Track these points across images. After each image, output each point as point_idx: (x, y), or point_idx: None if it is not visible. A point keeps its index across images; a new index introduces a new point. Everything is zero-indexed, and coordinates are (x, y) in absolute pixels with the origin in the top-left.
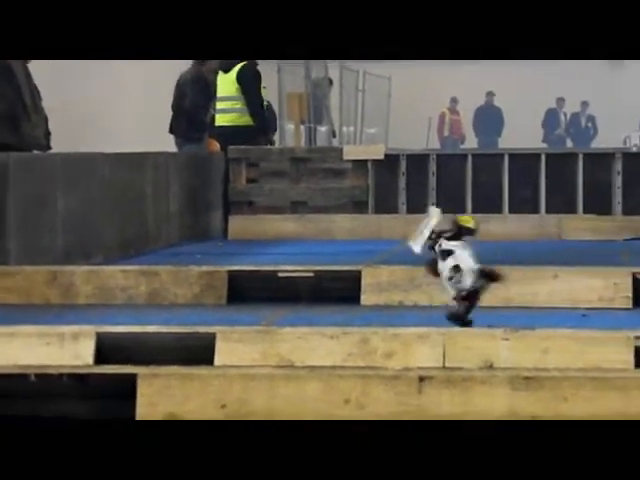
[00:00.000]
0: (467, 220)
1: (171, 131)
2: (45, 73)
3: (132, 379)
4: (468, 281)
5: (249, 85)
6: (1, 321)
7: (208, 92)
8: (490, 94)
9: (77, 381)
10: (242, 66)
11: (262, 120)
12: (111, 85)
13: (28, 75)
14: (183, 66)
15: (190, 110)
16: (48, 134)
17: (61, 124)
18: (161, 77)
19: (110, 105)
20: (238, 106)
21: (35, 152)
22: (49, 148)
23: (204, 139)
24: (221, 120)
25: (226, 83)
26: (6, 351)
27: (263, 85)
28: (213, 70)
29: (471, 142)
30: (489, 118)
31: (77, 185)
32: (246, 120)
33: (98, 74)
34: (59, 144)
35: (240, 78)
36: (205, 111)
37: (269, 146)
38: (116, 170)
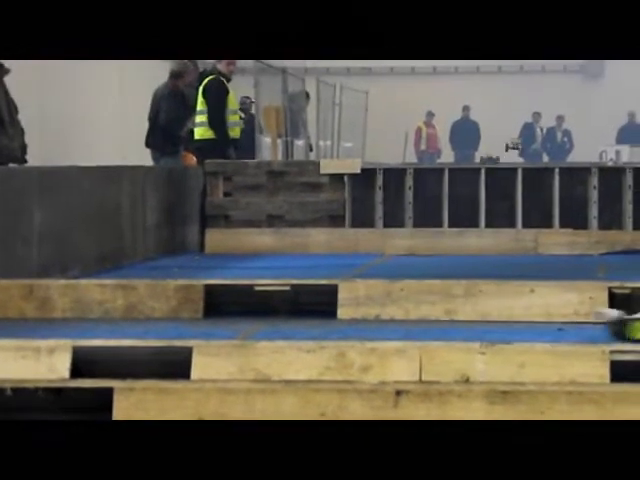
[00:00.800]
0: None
1: (147, 145)
2: (22, 86)
3: (108, 393)
4: None
5: (210, 98)
6: None
7: (184, 106)
8: (466, 108)
9: (53, 395)
10: (208, 80)
11: (221, 134)
12: (88, 98)
13: (4, 88)
14: (160, 80)
15: (166, 124)
16: (24, 147)
17: (38, 137)
18: (138, 90)
19: (87, 118)
20: (204, 120)
21: (11, 165)
22: (25, 161)
23: (180, 152)
24: (195, 133)
25: (199, 97)
26: None
27: (248, 97)
28: (190, 84)
29: (448, 156)
30: (465, 132)
31: (53, 198)
32: (210, 134)
33: (75, 87)
34: (35, 157)
35: (204, 92)
36: (181, 125)
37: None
38: (93, 183)
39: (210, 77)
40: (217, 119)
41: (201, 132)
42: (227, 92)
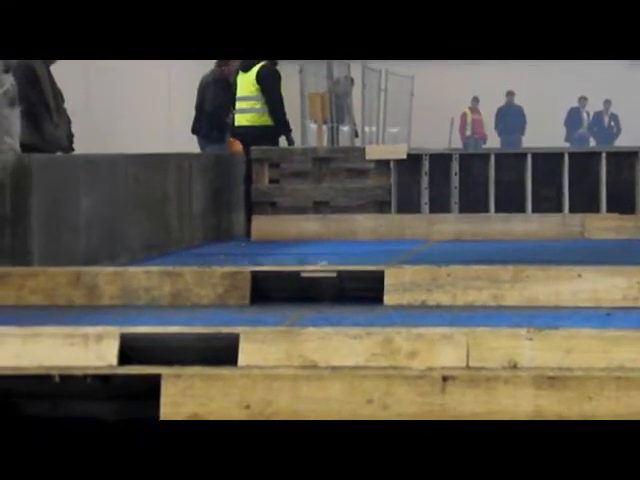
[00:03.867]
0: None
1: (194, 132)
2: (68, 75)
3: (156, 379)
4: None
5: (268, 85)
6: (25, 322)
7: (230, 93)
8: (510, 94)
9: (101, 382)
10: (261, 66)
11: (282, 119)
12: (134, 86)
13: (51, 77)
14: (206, 67)
15: (212, 111)
16: (71, 136)
17: (84, 126)
18: (184, 78)
19: (133, 106)
20: (257, 106)
21: (58, 153)
22: (72, 150)
23: (226, 139)
24: (241, 120)
25: (246, 83)
26: (31, 352)
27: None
28: (235, 71)
29: (494, 142)
30: (510, 117)
31: (100, 186)
32: (264, 120)
33: (122, 76)
34: (82, 146)
35: (259, 78)
36: (227, 112)
37: (290, 146)
38: (139, 171)
39: (264, 63)
40: (280, 106)
41: (254, 118)
42: (280, 78)
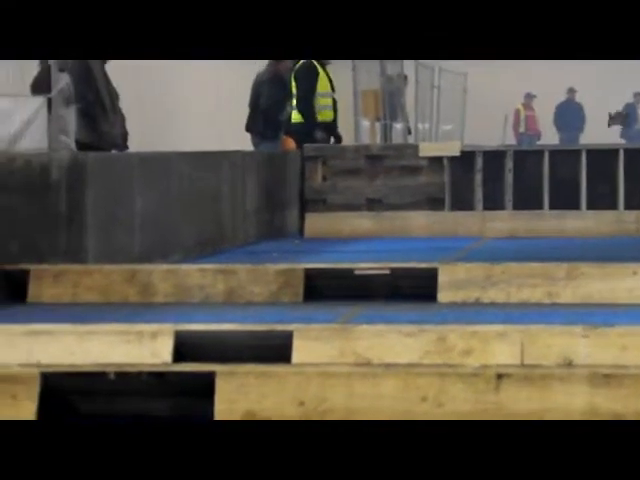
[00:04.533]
0: None
1: (248, 129)
2: (120, 74)
3: (210, 377)
4: None
5: (298, 82)
6: (80, 319)
7: (284, 91)
8: (571, 91)
9: (156, 379)
10: (299, 64)
11: (308, 117)
12: (189, 85)
13: (106, 76)
14: (259, 66)
15: (266, 109)
16: (126, 134)
17: (138, 124)
18: (238, 76)
19: (188, 105)
20: (295, 103)
21: (113, 151)
22: (126, 148)
23: (280, 137)
24: (294, 117)
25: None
26: (86, 349)
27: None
28: (289, 69)
29: (553, 138)
30: (570, 114)
31: (154, 184)
32: (300, 117)
33: (175, 74)
34: (136, 144)
35: (295, 76)
36: (281, 109)
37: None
38: (193, 169)
39: (303, 61)
40: (303, 103)
41: (293, 116)
42: (317, 75)
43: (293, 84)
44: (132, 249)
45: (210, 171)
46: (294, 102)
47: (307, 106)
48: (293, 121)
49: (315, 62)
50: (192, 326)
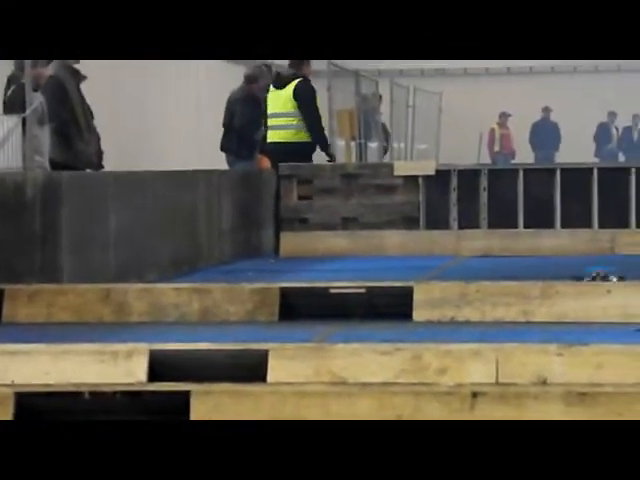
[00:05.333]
0: None
1: (222, 149)
2: (96, 92)
3: (185, 396)
4: None
5: (306, 101)
6: (55, 339)
7: (259, 110)
8: (546, 109)
9: (131, 398)
10: (298, 82)
11: (322, 135)
12: (163, 103)
13: (81, 95)
14: (234, 84)
15: (240, 128)
16: (100, 153)
17: (112, 143)
18: (212, 95)
19: (162, 122)
20: (295, 122)
21: (88, 170)
22: (101, 167)
23: (255, 156)
24: (275, 137)
25: (281, 100)
26: (60, 369)
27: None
28: (264, 88)
29: (528, 157)
30: (545, 133)
31: (129, 203)
32: (301, 136)
33: (153, 91)
34: (110, 163)
35: (297, 94)
36: (256, 129)
37: (331, 162)
38: (168, 188)
39: (300, 80)
40: (318, 121)
41: (289, 135)
42: (316, 94)
43: (290, 103)
44: (107, 268)
45: (185, 190)
46: (289, 121)
47: (320, 125)
48: (288, 140)
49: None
50: (167, 345)
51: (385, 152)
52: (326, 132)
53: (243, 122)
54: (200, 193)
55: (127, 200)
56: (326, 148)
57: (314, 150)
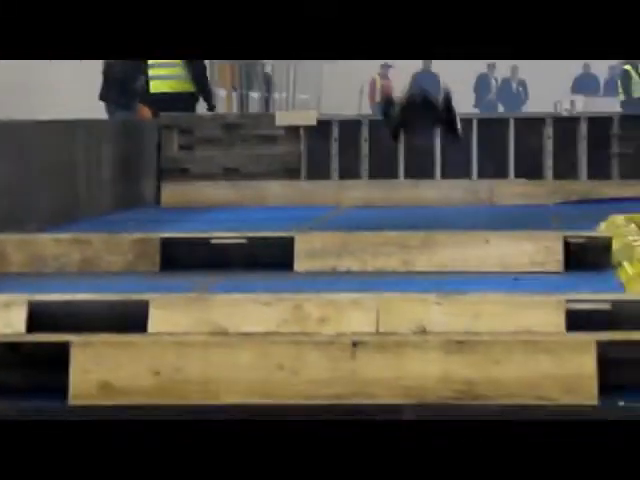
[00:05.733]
0: None
1: (102, 98)
2: None
3: (65, 347)
4: None
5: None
6: None
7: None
8: (427, 62)
9: (10, 349)
10: None
11: (206, 87)
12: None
13: None
14: None
15: (121, 77)
16: None
17: None
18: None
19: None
20: (179, 72)
21: None
22: None
23: (135, 106)
24: (160, 87)
25: None
26: None
27: None
28: None
29: None
30: (426, 83)
31: (9, 152)
32: (187, 87)
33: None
34: None
35: None
36: (135, 78)
37: (211, 112)
38: (47, 138)
39: None
40: (204, 72)
41: (176, 85)
42: None
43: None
44: None
45: (65, 139)
46: (174, 71)
47: (204, 76)
48: (174, 90)
49: None
50: (47, 296)
51: (267, 103)
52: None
53: (123, 71)
54: (80, 143)
55: (6, 150)
56: (209, 99)
57: (197, 100)
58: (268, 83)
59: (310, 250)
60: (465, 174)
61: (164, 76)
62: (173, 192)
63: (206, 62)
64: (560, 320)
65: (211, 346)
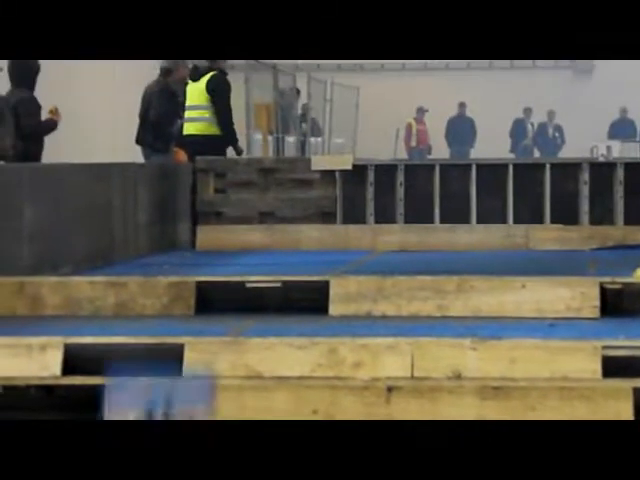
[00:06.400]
0: None
1: (138, 142)
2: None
3: (100, 390)
4: None
5: (218, 94)
6: None
7: (174, 102)
8: (462, 105)
9: (45, 392)
10: (212, 75)
11: (230, 129)
12: (79, 97)
13: None
14: (149, 77)
15: (156, 121)
16: (17, 146)
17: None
18: (129, 88)
19: (79, 117)
20: (207, 115)
21: (1, 162)
22: (17, 159)
23: (171, 149)
24: (189, 129)
25: (196, 92)
26: None
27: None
28: (180, 80)
29: (443, 152)
30: (461, 129)
31: (45, 195)
32: (213, 130)
33: (67, 85)
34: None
35: (210, 87)
36: (171, 121)
37: (238, 156)
38: (84, 181)
39: (214, 72)
40: (228, 115)
41: (202, 127)
42: (230, 88)
43: (203, 95)
44: (21, 261)
45: (101, 183)
46: (201, 113)
47: (232, 119)
48: (200, 132)
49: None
50: (82, 339)
51: (303, 147)
52: (243, 126)
53: (159, 115)
54: (116, 186)
55: (42, 193)
56: (234, 143)
57: (226, 144)
58: (313, 128)
59: (345, 294)
60: (501, 219)
61: (194, 118)
62: (208, 235)
63: (239, 106)
64: (596, 366)
65: (246, 390)
